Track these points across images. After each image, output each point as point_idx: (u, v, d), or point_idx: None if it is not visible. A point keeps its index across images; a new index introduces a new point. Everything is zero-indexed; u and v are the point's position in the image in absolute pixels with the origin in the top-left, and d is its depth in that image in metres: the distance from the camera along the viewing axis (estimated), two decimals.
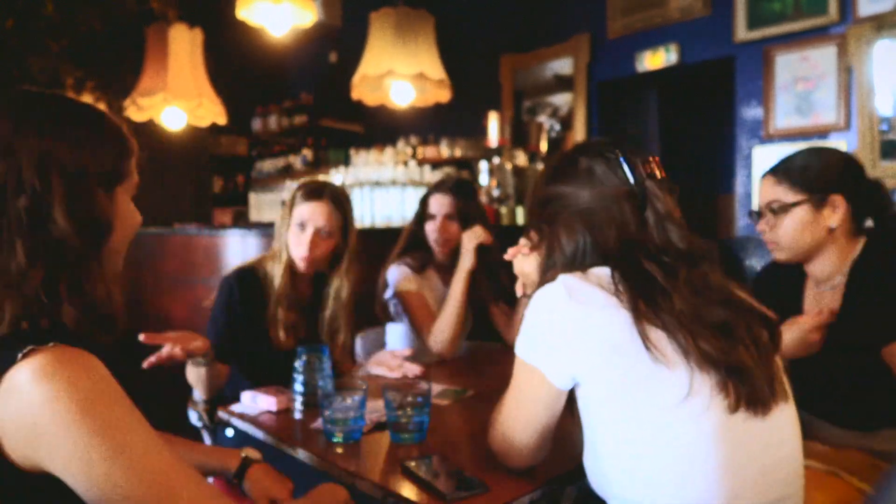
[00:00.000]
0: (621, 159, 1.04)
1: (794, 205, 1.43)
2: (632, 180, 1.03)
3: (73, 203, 0.77)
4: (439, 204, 2.16)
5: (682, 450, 0.92)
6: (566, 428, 1.33)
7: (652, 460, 0.93)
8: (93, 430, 0.72)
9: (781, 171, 1.47)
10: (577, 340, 0.96)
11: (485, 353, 2.23)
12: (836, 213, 1.42)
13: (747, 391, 0.93)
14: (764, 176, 1.51)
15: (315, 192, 1.76)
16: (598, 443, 0.99)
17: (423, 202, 2.21)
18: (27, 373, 0.72)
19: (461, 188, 2.21)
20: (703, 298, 0.97)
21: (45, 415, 0.71)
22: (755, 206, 1.58)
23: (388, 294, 2.16)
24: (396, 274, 2.14)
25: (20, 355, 0.72)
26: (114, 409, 0.75)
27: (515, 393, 1.06)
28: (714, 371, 0.93)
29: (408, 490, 1.05)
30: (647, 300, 0.95)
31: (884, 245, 1.44)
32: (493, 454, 1.10)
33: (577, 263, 1.03)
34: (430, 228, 2.16)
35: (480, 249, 2.11)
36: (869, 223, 1.49)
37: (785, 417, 0.99)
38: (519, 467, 1.09)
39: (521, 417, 1.05)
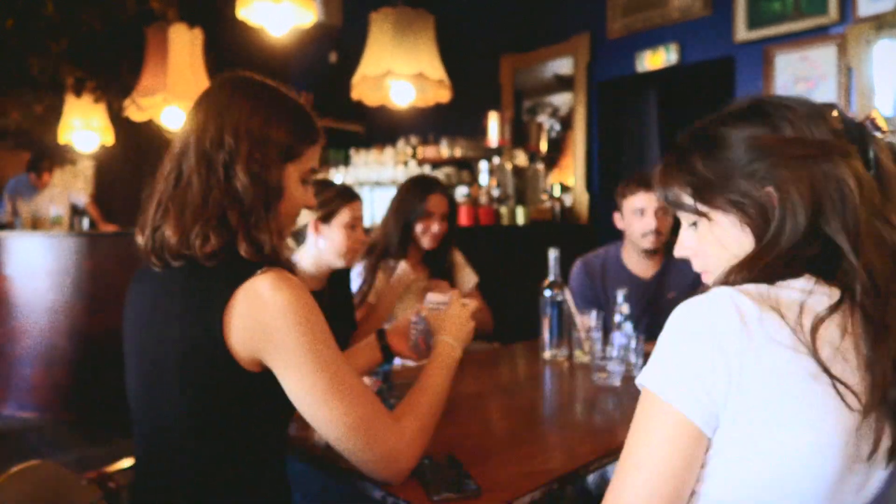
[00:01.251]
0: (836, 108, 0.81)
1: None
2: (856, 137, 0.79)
3: (251, 164, 0.98)
4: (437, 203, 2.27)
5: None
6: (568, 428, 1.33)
7: None
8: (310, 338, 0.94)
9: None
10: (740, 380, 0.71)
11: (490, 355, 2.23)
12: None
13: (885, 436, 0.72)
14: None
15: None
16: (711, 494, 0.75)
17: (417, 200, 2.26)
18: (267, 283, 0.93)
19: (446, 188, 2.38)
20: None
21: (277, 318, 0.92)
22: None
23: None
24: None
25: (259, 271, 0.94)
26: (322, 326, 0.97)
27: (640, 436, 0.76)
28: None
29: (408, 490, 1.05)
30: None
31: None
32: None
33: (791, 248, 0.77)
34: (426, 226, 2.26)
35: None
36: None
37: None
38: None
39: (641, 476, 0.74)
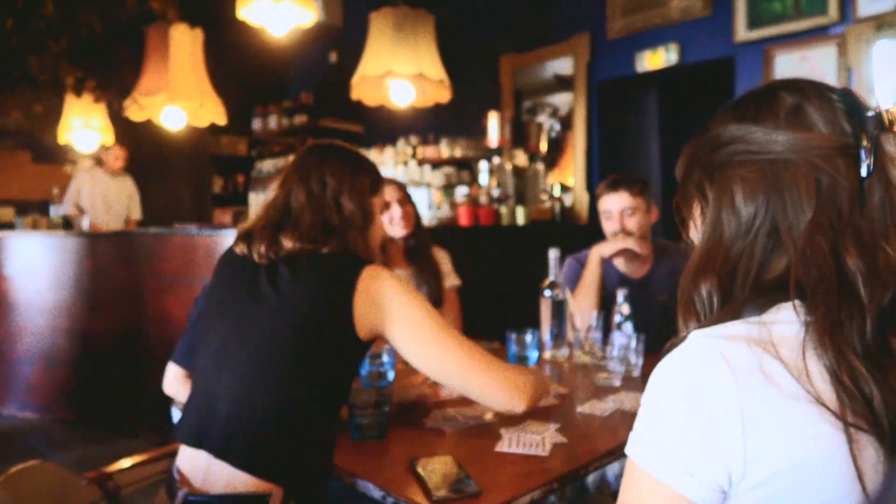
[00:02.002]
0: (845, 99, 0.70)
1: None
2: (856, 130, 0.68)
3: (353, 194, 1.30)
4: (390, 192, 2.31)
5: None
6: (567, 428, 1.33)
7: None
8: (424, 308, 1.21)
9: None
10: (744, 439, 0.61)
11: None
12: None
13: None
14: None
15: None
16: None
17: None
18: (383, 269, 1.21)
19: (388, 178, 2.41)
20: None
21: (401, 293, 1.19)
22: None
23: None
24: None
25: (366, 265, 1.21)
26: (426, 301, 1.24)
27: None
28: (873, 444, 0.61)
29: (408, 490, 1.05)
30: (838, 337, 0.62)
31: None
32: None
33: (748, 250, 0.69)
34: (390, 216, 2.32)
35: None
36: None
37: None
38: None
39: None
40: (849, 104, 0.69)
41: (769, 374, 0.61)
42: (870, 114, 0.68)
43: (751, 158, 0.70)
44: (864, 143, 0.67)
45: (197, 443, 1.14)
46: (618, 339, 1.69)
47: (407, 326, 1.19)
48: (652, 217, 2.22)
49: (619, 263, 2.23)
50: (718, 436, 0.61)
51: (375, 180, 1.37)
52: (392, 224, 2.32)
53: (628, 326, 1.84)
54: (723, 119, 0.75)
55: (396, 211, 2.31)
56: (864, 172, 0.67)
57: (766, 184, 0.69)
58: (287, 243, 1.24)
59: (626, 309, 1.87)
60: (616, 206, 2.16)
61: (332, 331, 1.15)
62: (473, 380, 1.20)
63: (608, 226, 2.21)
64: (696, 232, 0.77)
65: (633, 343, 1.73)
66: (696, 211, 0.76)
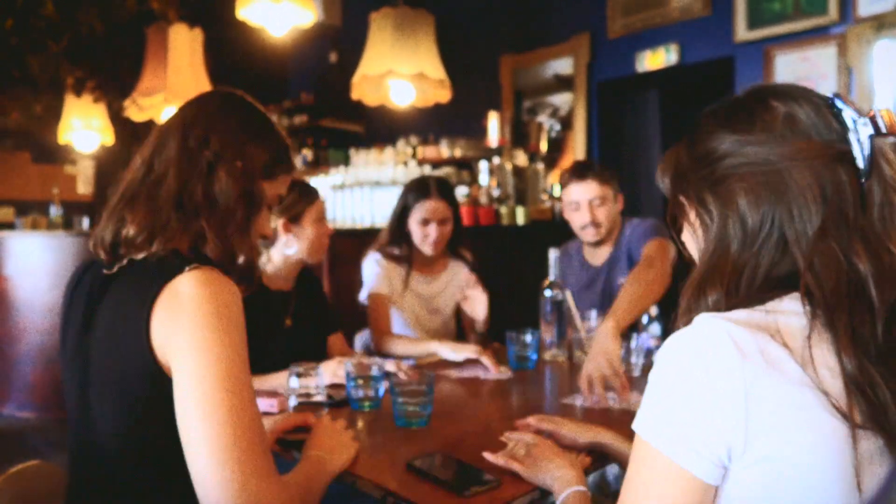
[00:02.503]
0: (839, 104, 0.71)
1: None
2: (854, 135, 0.69)
3: (234, 170, 0.98)
4: (432, 210, 2.15)
5: None
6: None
7: None
8: (214, 332, 0.84)
9: None
10: (746, 423, 0.63)
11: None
12: None
13: None
14: None
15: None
16: None
17: (411, 206, 2.19)
18: (190, 279, 0.86)
19: (449, 191, 2.25)
20: None
21: (188, 308, 0.84)
22: None
23: (361, 296, 2.22)
24: (369, 266, 2.21)
25: (188, 268, 0.87)
26: (238, 332, 0.87)
27: (639, 490, 0.69)
28: (886, 442, 0.63)
29: (408, 489, 1.05)
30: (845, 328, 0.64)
31: None
32: None
33: (753, 260, 0.71)
34: (424, 233, 2.17)
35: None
36: None
37: None
38: None
39: None
40: (839, 110, 0.71)
41: (774, 358, 0.63)
42: (863, 119, 0.69)
43: (752, 170, 0.71)
44: (860, 148, 0.68)
45: None
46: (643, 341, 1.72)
47: (183, 364, 0.84)
48: (619, 206, 2.21)
49: (585, 250, 2.27)
50: (721, 410, 0.63)
51: (276, 160, 1.05)
52: (423, 244, 2.18)
53: (655, 327, 1.86)
54: (714, 130, 0.75)
55: (433, 232, 2.16)
56: (863, 177, 0.68)
57: (771, 194, 0.70)
58: (133, 231, 0.94)
59: (653, 309, 1.89)
60: (585, 195, 2.13)
61: (140, 376, 0.86)
62: (217, 465, 0.81)
63: (577, 217, 2.16)
64: (693, 243, 0.79)
65: (634, 343, 1.73)
66: (696, 223, 0.77)
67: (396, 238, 2.21)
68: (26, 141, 6.13)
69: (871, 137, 0.68)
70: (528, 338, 1.81)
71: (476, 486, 1.02)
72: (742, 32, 3.65)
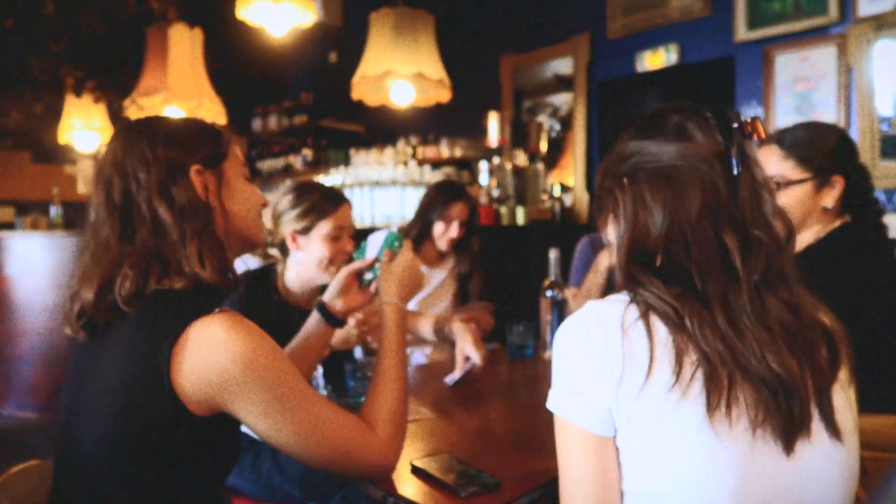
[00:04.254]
0: (716, 118, 0.88)
1: (799, 182, 1.45)
2: (729, 140, 0.86)
3: (163, 190, 0.96)
4: (459, 211, 2.42)
5: (702, 482, 0.76)
6: None
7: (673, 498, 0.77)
8: (273, 385, 0.91)
9: (790, 146, 1.48)
10: (609, 372, 0.79)
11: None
12: (832, 193, 1.45)
13: (786, 416, 0.77)
14: (767, 144, 1.50)
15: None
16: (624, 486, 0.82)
17: (441, 204, 2.43)
18: (223, 326, 0.89)
19: (469, 195, 2.53)
20: (773, 297, 0.82)
21: (237, 368, 0.88)
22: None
23: None
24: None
25: (217, 310, 0.91)
26: (283, 367, 0.93)
27: (559, 459, 0.85)
28: (752, 387, 0.77)
29: (408, 490, 1.05)
30: (708, 298, 0.79)
31: (850, 232, 1.46)
32: None
33: (662, 232, 0.85)
34: (446, 230, 2.42)
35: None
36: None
37: (828, 459, 0.81)
38: None
39: (570, 488, 0.83)
40: (719, 119, 0.88)
41: (644, 331, 0.79)
42: (735, 125, 0.87)
43: (651, 167, 0.88)
44: (733, 149, 0.85)
45: None
46: None
47: (250, 408, 0.91)
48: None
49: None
50: (603, 375, 0.79)
51: (208, 144, 1.02)
52: (440, 239, 2.42)
53: None
54: (625, 137, 0.94)
55: (454, 231, 2.41)
56: (735, 172, 0.85)
57: (666, 185, 0.86)
58: (89, 298, 0.95)
59: None
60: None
61: (153, 403, 0.89)
62: (332, 465, 0.98)
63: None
64: (614, 229, 0.93)
65: None
66: (615, 212, 0.92)
67: (418, 229, 2.46)
68: (26, 141, 6.13)
69: (742, 142, 0.86)
70: (524, 328, 1.93)
71: (476, 486, 1.03)
72: (742, 32, 3.65)
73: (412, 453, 1.18)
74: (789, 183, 1.46)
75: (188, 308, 0.91)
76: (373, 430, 1.02)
